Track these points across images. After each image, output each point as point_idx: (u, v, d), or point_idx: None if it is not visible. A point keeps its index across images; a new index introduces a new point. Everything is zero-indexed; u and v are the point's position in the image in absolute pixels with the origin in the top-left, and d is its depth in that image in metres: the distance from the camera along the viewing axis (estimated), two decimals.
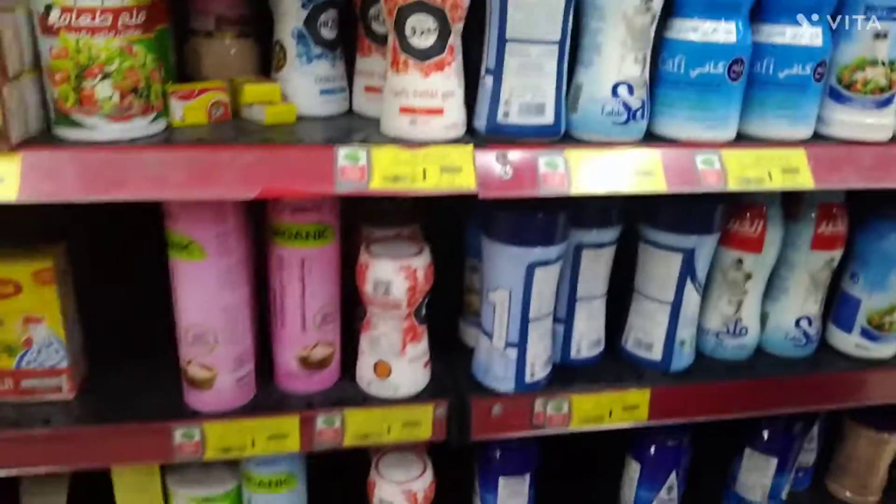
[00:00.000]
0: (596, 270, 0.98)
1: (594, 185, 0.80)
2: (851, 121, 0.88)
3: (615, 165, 0.81)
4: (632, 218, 0.98)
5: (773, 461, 1.17)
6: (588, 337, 1.01)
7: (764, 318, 1.07)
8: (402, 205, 1.01)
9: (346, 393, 0.96)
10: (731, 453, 1.25)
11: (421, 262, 0.89)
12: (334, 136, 0.82)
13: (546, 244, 0.87)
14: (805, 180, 0.85)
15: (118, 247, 1.04)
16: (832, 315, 1.10)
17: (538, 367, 0.95)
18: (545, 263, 0.88)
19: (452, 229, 1.05)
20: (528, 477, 1.12)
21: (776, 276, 1.05)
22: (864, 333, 1.05)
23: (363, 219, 0.99)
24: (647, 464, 1.13)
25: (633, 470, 1.15)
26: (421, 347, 0.94)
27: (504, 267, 0.89)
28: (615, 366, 1.04)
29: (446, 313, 1.11)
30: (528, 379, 0.94)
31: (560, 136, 0.82)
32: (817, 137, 0.89)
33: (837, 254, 1.01)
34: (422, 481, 1.02)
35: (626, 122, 0.81)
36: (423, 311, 0.93)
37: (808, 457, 1.30)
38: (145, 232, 0.92)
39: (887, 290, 1.02)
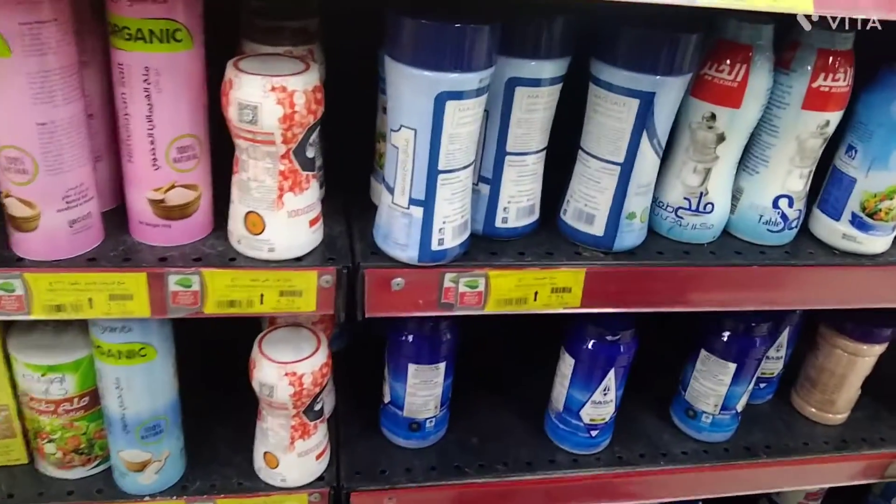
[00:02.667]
0: (533, 116, 0.78)
1: None
2: None
3: None
4: (582, 50, 0.78)
5: (732, 367, 1.02)
6: (518, 202, 0.83)
7: (736, 194, 0.88)
8: (297, 20, 0.80)
9: (215, 250, 0.78)
10: (683, 355, 1.10)
11: (301, 83, 0.69)
12: None
13: (462, 67, 0.67)
14: (801, 2, 0.64)
15: None
16: (818, 198, 0.92)
17: (449, 232, 0.77)
18: (460, 95, 0.68)
19: (363, 58, 0.85)
20: (443, 366, 0.96)
21: (756, 141, 0.85)
22: (855, 221, 0.87)
23: (248, 36, 0.79)
24: (582, 358, 0.97)
25: (567, 365, 0.99)
26: (305, 199, 0.75)
27: (408, 98, 0.70)
28: (549, 240, 0.86)
29: (358, 165, 0.93)
30: (434, 246, 0.76)
31: None
32: None
33: (835, 117, 0.81)
34: (310, 363, 0.85)
35: None
36: (310, 153, 0.74)
37: (773, 366, 1.15)
38: None
39: (890, 168, 0.83)
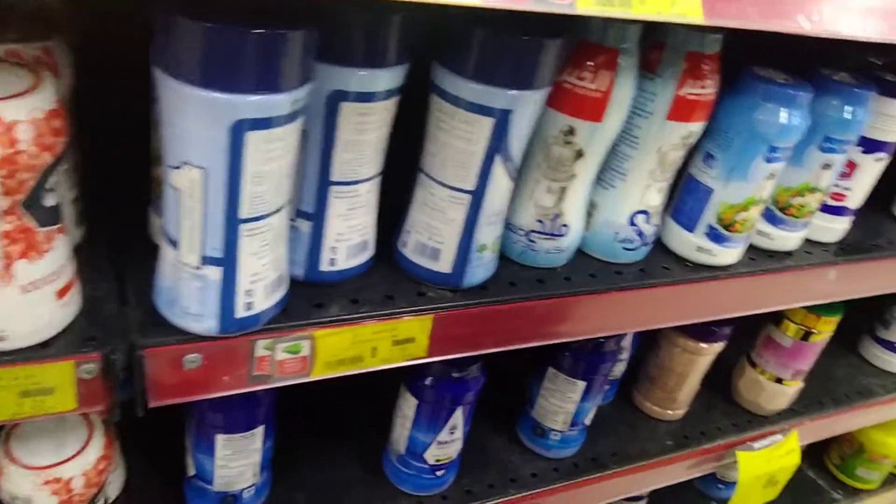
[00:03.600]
0: (364, 138, 0.61)
1: None
2: None
3: None
4: (423, 59, 0.62)
5: (581, 385, 0.94)
6: (348, 240, 0.66)
7: (590, 210, 0.78)
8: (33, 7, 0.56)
9: None
10: (529, 368, 1.01)
11: (26, 108, 0.46)
12: None
13: (267, 87, 0.48)
14: (691, 9, 0.53)
15: None
16: (672, 208, 0.84)
17: (260, 293, 0.58)
18: (267, 123, 0.50)
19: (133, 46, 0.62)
20: (260, 430, 0.78)
21: (612, 153, 0.75)
22: (711, 233, 0.80)
23: None
24: (426, 398, 0.84)
25: (409, 405, 0.86)
26: (48, 265, 0.53)
27: (191, 127, 0.50)
28: (388, 278, 0.71)
29: (129, 191, 0.70)
30: (240, 312, 0.58)
31: None
32: None
33: (699, 127, 0.73)
34: (79, 462, 0.65)
35: None
36: (49, 201, 0.52)
37: (617, 368, 1.09)
38: None
39: (748, 179, 0.77)
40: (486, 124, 0.60)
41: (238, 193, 0.52)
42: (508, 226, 0.75)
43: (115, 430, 0.73)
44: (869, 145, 0.86)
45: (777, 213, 0.85)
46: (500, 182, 0.65)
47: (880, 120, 0.84)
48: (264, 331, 0.61)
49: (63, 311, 0.56)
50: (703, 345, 1.04)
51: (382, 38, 0.56)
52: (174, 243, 0.56)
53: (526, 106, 0.61)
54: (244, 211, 0.53)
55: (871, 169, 0.88)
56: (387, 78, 0.58)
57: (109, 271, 0.64)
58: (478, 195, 0.65)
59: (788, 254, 0.90)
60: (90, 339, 0.57)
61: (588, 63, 0.65)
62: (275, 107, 0.50)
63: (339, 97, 0.57)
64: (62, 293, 0.56)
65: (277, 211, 0.56)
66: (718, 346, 1.05)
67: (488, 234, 0.69)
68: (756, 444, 1.13)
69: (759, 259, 0.87)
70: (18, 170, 0.47)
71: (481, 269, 0.71)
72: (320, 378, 0.66)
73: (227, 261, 0.55)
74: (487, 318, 0.71)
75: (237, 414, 0.75)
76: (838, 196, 0.90)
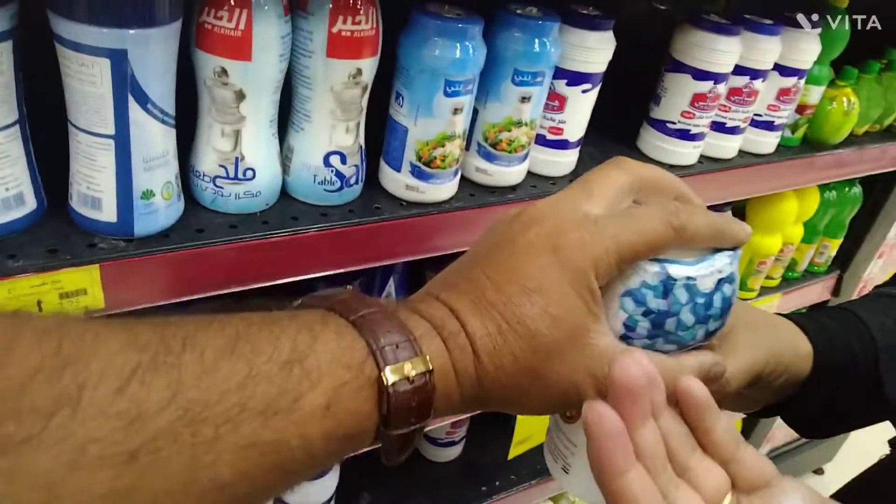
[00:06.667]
0: None
1: None
2: None
3: None
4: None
5: None
6: None
7: (289, 154, 0.79)
8: None
9: None
10: None
11: None
12: None
13: None
14: None
15: None
16: (383, 150, 0.86)
17: None
18: None
19: None
20: None
21: (295, 95, 0.76)
22: (414, 171, 0.82)
23: None
24: None
25: None
26: None
27: None
28: (58, 233, 0.70)
29: None
30: None
31: None
32: None
33: (367, 64, 0.73)
34: None
35: None
36: None
37: None
38: None
39: (435, 115, 0.79)
40: (103, 66, 0.60)
41: None
42: (195, 173, 0.75)
43: None
44: (572, 77, 0.89)
45: (489, 149, 0.88)
46: (146, 126, 0.65)
47: (577, 51, 0.87)
48: None
49: None
50: None
51: None
52: None
53: (142, 45, 0.60)
54: None
55: (581, 101, 0.91)
56: None
57: None
58: (121, 140, 0.64)
59: (512, 188, 0.93)
60: None
61: (223, 2, 0.65)
62: None
63: None
64: None
65: None
66: None
67: (151, 179, 0.68)
68: None
69: (480, 195, 0.90)
70: None
71: (156, 216, 0.70)
72: None
73: None
74: (167, 265, 0.71)
75: None
76: (555, 130, 0.93)
